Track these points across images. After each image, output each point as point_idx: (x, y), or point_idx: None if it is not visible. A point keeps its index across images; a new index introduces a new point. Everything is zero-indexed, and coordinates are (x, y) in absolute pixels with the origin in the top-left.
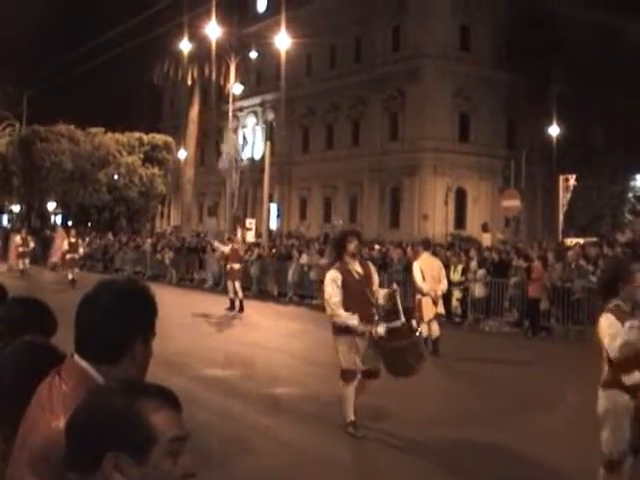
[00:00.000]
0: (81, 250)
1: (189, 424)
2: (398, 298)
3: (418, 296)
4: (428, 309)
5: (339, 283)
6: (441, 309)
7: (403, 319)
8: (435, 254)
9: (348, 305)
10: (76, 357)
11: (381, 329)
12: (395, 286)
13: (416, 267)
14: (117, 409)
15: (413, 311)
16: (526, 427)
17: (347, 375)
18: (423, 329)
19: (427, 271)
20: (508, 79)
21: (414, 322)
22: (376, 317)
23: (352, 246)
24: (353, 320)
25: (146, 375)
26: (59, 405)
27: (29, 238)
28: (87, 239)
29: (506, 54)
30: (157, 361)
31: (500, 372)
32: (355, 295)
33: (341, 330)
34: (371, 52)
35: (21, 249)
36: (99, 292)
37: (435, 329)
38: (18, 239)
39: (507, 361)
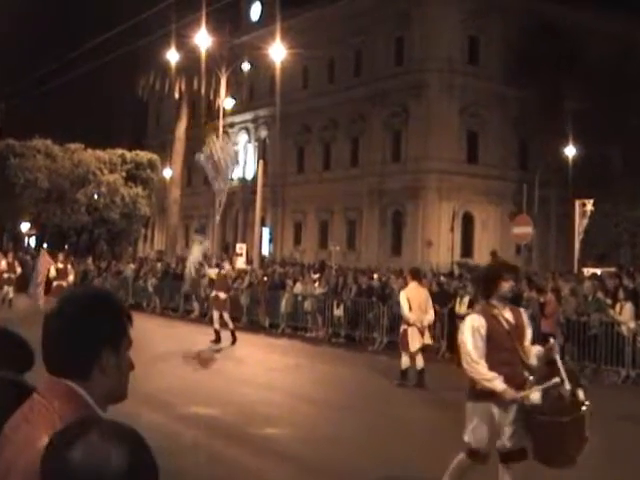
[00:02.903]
0: (71, 277)
1: (171, 466)
2: (558, 358)
3: (404, 326)
4: (414, 339)
5: (483, 333)
6: (428, 340)
7: (568, 386)
8: (421, 283)
9: (492, 362)
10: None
11: (535, 396)
12: (552, 341)
13: (403, 296)
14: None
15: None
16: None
17: (476, 457)
18: (405, 360)
19: (414, 301)
20: (519, 95)
21: (581, 392)
22: (529, 380)
23: (507, 286)
24: (500, 383)
25: (126, 387)
26: (48, 426)
27: (16, 263)
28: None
29: (517, 68)
30: (137, 398)
31: None
32: (503, 350)
33: (479, 395)
34: (372, 65)
35: (6, 275)
36: (61, 305)
37: (420, 361)
38: (3, 264)
39: None
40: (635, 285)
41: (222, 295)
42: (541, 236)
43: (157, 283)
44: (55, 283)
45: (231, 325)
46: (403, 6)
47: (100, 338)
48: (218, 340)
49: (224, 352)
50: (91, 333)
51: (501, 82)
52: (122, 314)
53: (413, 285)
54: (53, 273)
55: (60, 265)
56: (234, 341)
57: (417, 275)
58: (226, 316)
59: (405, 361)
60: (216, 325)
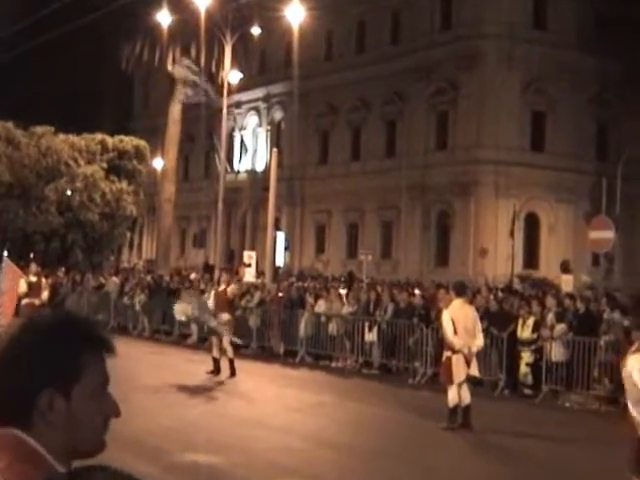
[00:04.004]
0: (45, 294)
1: None
2: None
3: (447, 353)
4: (459, 370)
5: None
6: (475, 371)
7: None
8: (471, 302)
9: None
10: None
11: None
12: None
13: (446, 317)
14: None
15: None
16: None
17: None
18: (453, 395)
19: (459, 322)
20: (598, 66)
21: None
22: None
23: None
24: None
25: (99, 438)
26: None
27: None
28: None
29: (596, 33)
30: (120, 442)
31: (584, 464)
32: None
33: None
34: (413, 30)
35: None
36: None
37: (466, 395)
38: None
39: (595, 450)
40: None
41: (223, 316)
42: (625, 243)
43: (146, 300)
44: (25, 301)
45: (231, 353)
46: None
47: (38, 376)
48: (217, 371)
49: (228, 386)
50: (26, 370)
51: (575, 50)
52: (84, 345)
53: (458, 303)
54: (23, 288)
55: (33, 278)
56: (232, 373)
57: (463, 291)
58: (226, 341)
59: (453, 397)
60: (215, 352)
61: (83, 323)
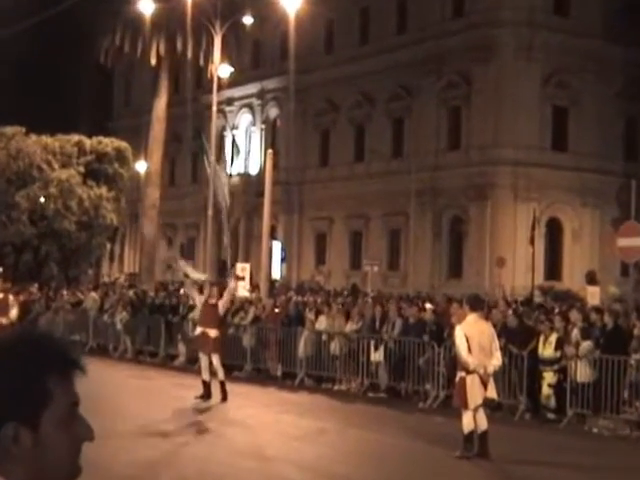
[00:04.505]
0: (14, 312)
1: None
2: None
3: (461, 373)
4: (475, 392)
5: None
6: (492, 393)
7: None
8: (487, 317)
9: None
10: None
11: None
12: None
13: (459, 333)
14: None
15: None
16: None
17: None
18: (468, 420)
19: (474, 339)
20: (625, 56)
21: None
22: None
23: None
24: None
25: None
26: None
27: None
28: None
29: (622, 20)
30: (103, 476)
31: None
32: None
33: None
34: (421, 19)
35: None
36: None
37: (482, 420)
38: None
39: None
40: None
41: (212, 333)
42: None
43: (128, 318)
44: None
45: (222, 375)
46: None
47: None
48: (207, 395)
49: (220, 412)
50: None
51: (599, 39)
52: (50, 366)
53: (472, 318)
54: None
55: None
56: (224, 398)
57: (478, 304)
58: (216, 361)
59: (468, 422)
60: (205, 375)
61: (46, 341)
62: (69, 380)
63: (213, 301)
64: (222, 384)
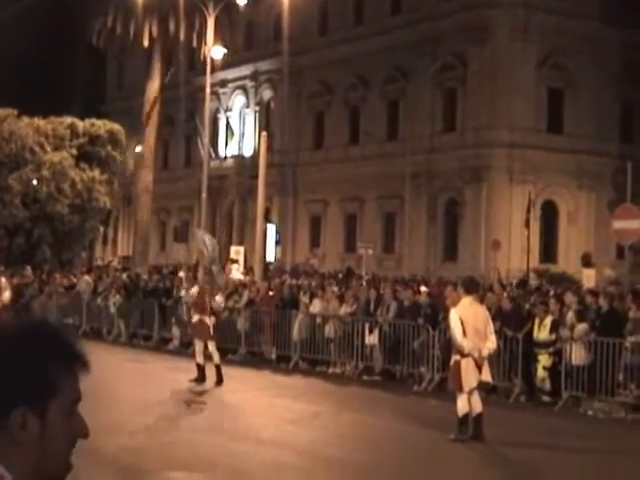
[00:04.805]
0: (7, 294)
1: None
2: None
3: (456, 357)
4: (469, 375)
5: None
6: (487, 376)
7: None
8: (482, 299)
9: None
10: None
11: None
12: None
13: (454, 316)
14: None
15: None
16: None
17: None
18: (463, 403)
19: (469, 322)
20: (622, 38)
21: None
22: None
23: None
24: None
25: (64, 463)
26: None
27: None
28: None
29: (620, 2)
30: (93, 460)
31: (608, 478)
32: None
33: None
34: None
35: None
36: None
37: (477, 403)
38: None
39: (620, 462)
40: None
41: (207, 320)
42: None
43: (122, 302)
44: None
45: (217, 359)
46: None
47: (6, 396)
48: (202, 379)
49: (213, 396)
50: None
51: (596, 21)
52: (59, 358)
53: (467, 301)
54: None
55: None
56: (219, 381)
57: (473, 287)
58: (212, 346)
59: (463, 405)
60: (199, 359)
61: (58, 334)
62: (75, 375)
63: (206, 286)
64: (218, 367)
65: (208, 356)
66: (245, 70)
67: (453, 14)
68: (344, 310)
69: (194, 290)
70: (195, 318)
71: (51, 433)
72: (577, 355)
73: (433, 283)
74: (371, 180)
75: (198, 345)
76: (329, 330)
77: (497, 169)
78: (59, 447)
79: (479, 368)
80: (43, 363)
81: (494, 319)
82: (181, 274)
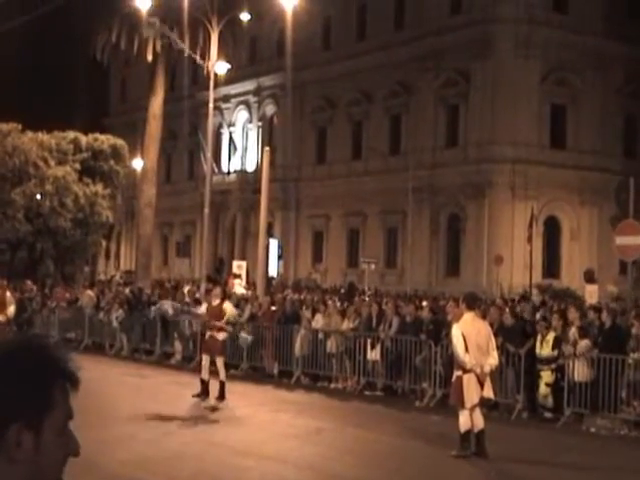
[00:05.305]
0: (12, 309)
1: None
2: None
3: (458, 372)
4: (472, 391)
5: None
6: (489, 392)
7: None
8: (484, 315)
9: None
10: None
11: None
12: None
13: (456, 332)
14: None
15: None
16: None
17: None
18: (465, 419)
19: (471, 338)
20: (625, 54)
21: None
22: None
23: None
24: None
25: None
26: None
27: None
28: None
29: (623, 16)
30: (97, 475)
31: None
32: None
33: None
34: (419, 15)
35: None
36: None
37: (479, 419)
38: None
39: None
40: None
41: (219, 336)
42: None
43: (124, 316)
44: None
45: (223, 375)
46: None
47: (3, 412)
48: (205, 393)
49: (216, 411)
50: None
51: (599, 36)
52: (54, 376)
53: (469, 317)
54: None
55: None
56: (222, 397)
57: (475, 303)
58: (220, 362)
59: (465, 422)
60: (204, 374)
61: (52, 351)
62: (67, 393)
63: (217, 301)
64: (222, 384)
65: (212, 371)
66: (248, 85)
67: (456, 29)
68: (346, 325)
69: (203, 307)
70: (207, 335)
71: (45, 450)
72: (580, 371)
73: (435, 299)
74: (373, 195)
75: (205, 360)
76: (331, 345)
77: (500, 184)
78: (52, 464)
79: (481, 384)
80: (39, 380)
81: (496, 335)
82: (186, 289)
